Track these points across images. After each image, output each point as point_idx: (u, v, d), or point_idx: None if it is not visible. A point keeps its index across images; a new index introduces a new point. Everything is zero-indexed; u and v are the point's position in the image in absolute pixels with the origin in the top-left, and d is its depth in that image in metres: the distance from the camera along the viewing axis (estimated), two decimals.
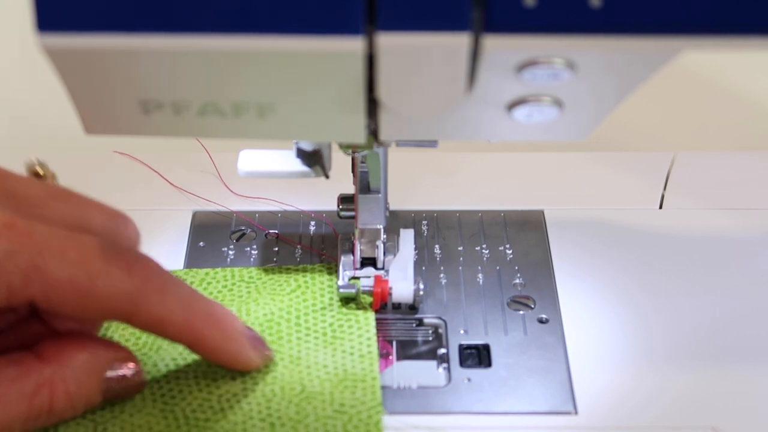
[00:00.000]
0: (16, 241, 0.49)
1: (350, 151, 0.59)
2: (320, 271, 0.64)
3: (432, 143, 0.57)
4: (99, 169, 0.73)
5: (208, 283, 0.63)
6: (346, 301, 0.61)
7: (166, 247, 0.66)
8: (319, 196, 0.69)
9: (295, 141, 0.59)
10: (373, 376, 0.57)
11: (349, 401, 0.56)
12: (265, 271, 0.64)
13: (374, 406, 0.56)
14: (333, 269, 0.64)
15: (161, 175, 0.72)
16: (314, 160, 0.59)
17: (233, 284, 0.63)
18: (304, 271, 0.64)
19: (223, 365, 0.57)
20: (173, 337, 0.54)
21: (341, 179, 0.65)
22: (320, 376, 0.57)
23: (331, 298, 0.62)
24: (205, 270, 0.64)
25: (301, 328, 0.60)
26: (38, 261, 0.50)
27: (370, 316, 0.61)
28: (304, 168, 0.60)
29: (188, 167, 0.73)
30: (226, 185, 0.71)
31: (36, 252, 0.50)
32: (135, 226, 0.56)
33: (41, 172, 0.63)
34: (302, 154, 0.59)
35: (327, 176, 0.60)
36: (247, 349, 0.57)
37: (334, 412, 0.55)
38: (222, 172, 0.72)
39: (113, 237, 0.54)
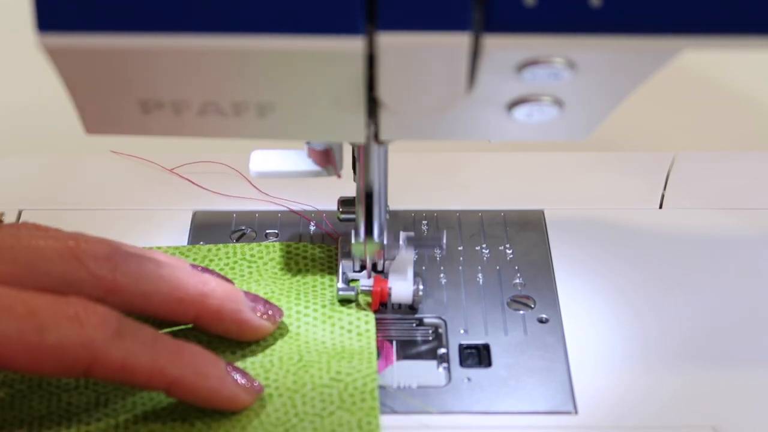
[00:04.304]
0: None
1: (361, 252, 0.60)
2: (321, 255, 0.64)
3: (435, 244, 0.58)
4: (99, 170, 0.73)
5: (210, 260, 0.63)
6: (346, 302, 0.61)
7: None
8: (319, 197, 0.69)
9: (306, 141, 0.59)
10: (369, 350, 0.58)
11: (345, 369, 0.56)
12: (267, 247, 0.64)
13: (369, 374, 0.56)
14: (333, 252, 0.64)
15: (178, 174, 0.72)
16: (326, 159, 0.59)
17: (235, 262, 0.63)
18: (305, 251, 0.64)
19: (207, 406, 0.54)
20: (143, 382, 0.52)
21: (343, 179, 0.65)
22: (318, 349, 0.58)
23: (332, 280, 0.62)
24: (207, 246, 0.65)
25: (301, 301, 0.61)
26: None
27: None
28: (316, 167, 0.60)
29: (190, 167, 0.73)
30: (255, 186, 0.71)
31: None
32: (93, 242, 0.54)
33: None
34: (314, 154, 0.59)
35: (339, 175, 0.60)
36: (227, 383, 0.54)
37: (331, 380, 0.56)
38: (224, 172, 0.72)
39: (69, 277, 0.53)
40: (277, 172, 0.60)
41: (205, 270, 0.59)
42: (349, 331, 0.59)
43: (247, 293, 0.58)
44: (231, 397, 0.54)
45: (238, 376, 0.55)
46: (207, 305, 0.56)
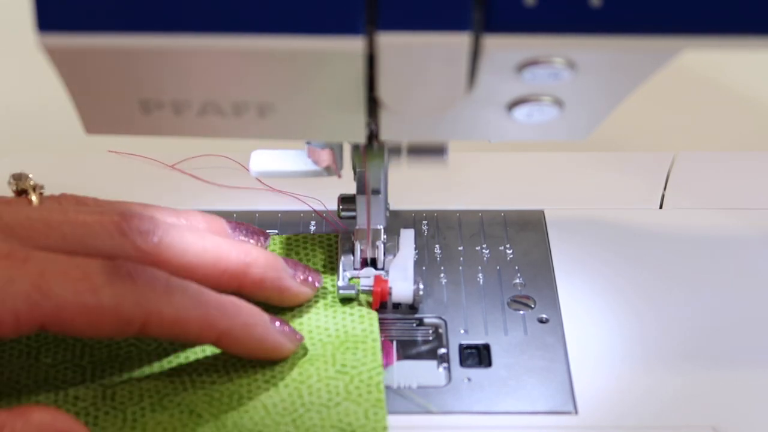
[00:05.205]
0: (14, 268, 0.50)
1: (360, 158, 0.58)
2: (321, 244, 0.65)
3: (438, 153, 0.56)
4: (99, 170, 0.73)
5: None
6: (347, 301, 0.62)
7: None
8: (320, 196, 0.69)
9: (307, 140, 0.59)
10: (373, 337, 0.59)
11: (350, 362, 0.57)
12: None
13: (375, 367, 0.57)
14: (333, 240, 0.65)
15: (179, 170, 0.72)
16: (326, 159, 0.59)
17: None
18: (305, 241, 0.65)
19: (254, 356, 0.56)
20: (194, 336, 0.54)
21: (342, 179, 0.65)
22: (322, 339, 0.59)
23: (332, 269, 0.63)
24: None
25: None
26: (41, 283, 0.50)
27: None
28: (316, 167, 0.60)
29: (190, 163, 0.73)
30: (264, 184, 0.71)
31: (37, 275, 0.50)
32: (138, 217, 0.55)
33: (26, 186, 0.62)
34: (314, 154, 0.59)
35: (339, 175, 0.60)
36: (273, 332, 0.56)
37: (336, 373, 0.57)
38: (226, 166, 0.72)
39: (116, 252, 0.54)
40: (278, 172, 0.60)
41: (240, 225, 0.61)
42: (351, 314, 0.60)
43: (286, 260, 0.60)
44: (276, 345, 0.56)
45: (280, 326, 0.56)
46: (250, 275, 0.57)
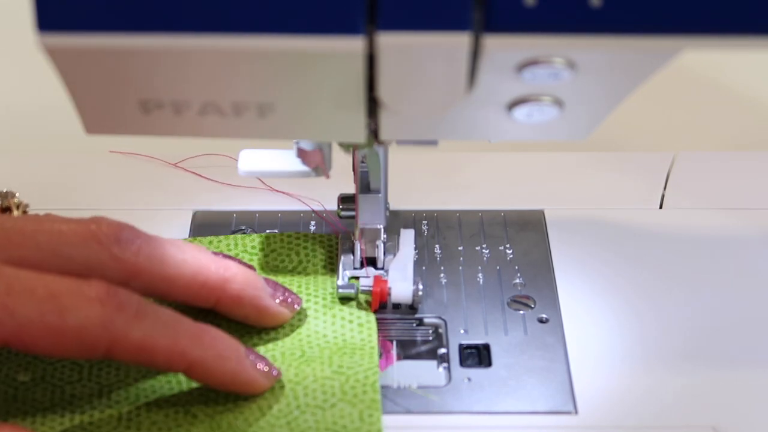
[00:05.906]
0: None
1: (350, 149, 0.59)
2: (322, 245, 0.65)
3: (432, 141, 0.56)
4: (99, 170, 0.73)
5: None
6: (346, 300, 0.62)
7: None
8: (319, 196, 0.69)
9: (295, 140, 0.59)
10: (371, 345, 0.58)
11: (347, 363, 0.57)
12: (268, 238, 0.65)
13: (371, 367, 0.57)
14: (334, 241, 0.65)
15: (182, 168, 0.72)
16: (315, 159, 0.59)
17: (236, 254, 0.64)
18: (305, 241, 0.65)
19: (225, 389, 0.55)
20: (163, 363, 0.53)
21: (342, 179, 0.65)
22: (320, 344, 0.59)
23: (332, 271, 0.63)
24: (209, 238, 0.65)
25: (302, 293, 0.61)
26: (6, 301, 0.49)
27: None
28: (304, 167, 0.60)
29: (192, 161, 0.73)
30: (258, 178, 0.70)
31: (3, 292, 0.49)
32: (115, 226, 0.54)
33: (10, 204, 0.61)
34: (303, 154, 0.59)
35: (327, 176, 0.60)
36: (247, 367, 0.54)
37: (333, 373, 0.56)
38: (226, 165, 0.72)
39: (92, 261, 0.53)
40: (266, 172, 0.60)
41: (226, 256, 0.59)
42: (350, 321, 0.60)
43: (267, 280, 0.59)
44: (249, 380, 0.55)
45: (256, 361, 0.55)
46: (228, 290, 0.57)
